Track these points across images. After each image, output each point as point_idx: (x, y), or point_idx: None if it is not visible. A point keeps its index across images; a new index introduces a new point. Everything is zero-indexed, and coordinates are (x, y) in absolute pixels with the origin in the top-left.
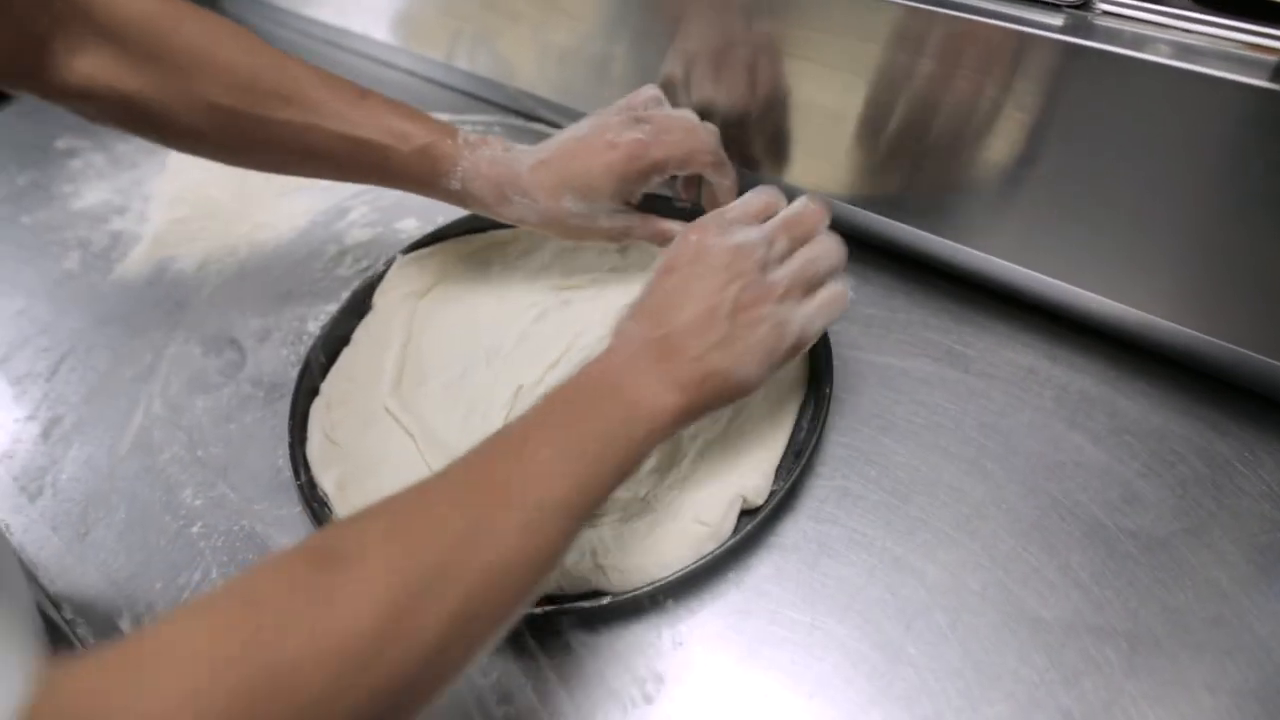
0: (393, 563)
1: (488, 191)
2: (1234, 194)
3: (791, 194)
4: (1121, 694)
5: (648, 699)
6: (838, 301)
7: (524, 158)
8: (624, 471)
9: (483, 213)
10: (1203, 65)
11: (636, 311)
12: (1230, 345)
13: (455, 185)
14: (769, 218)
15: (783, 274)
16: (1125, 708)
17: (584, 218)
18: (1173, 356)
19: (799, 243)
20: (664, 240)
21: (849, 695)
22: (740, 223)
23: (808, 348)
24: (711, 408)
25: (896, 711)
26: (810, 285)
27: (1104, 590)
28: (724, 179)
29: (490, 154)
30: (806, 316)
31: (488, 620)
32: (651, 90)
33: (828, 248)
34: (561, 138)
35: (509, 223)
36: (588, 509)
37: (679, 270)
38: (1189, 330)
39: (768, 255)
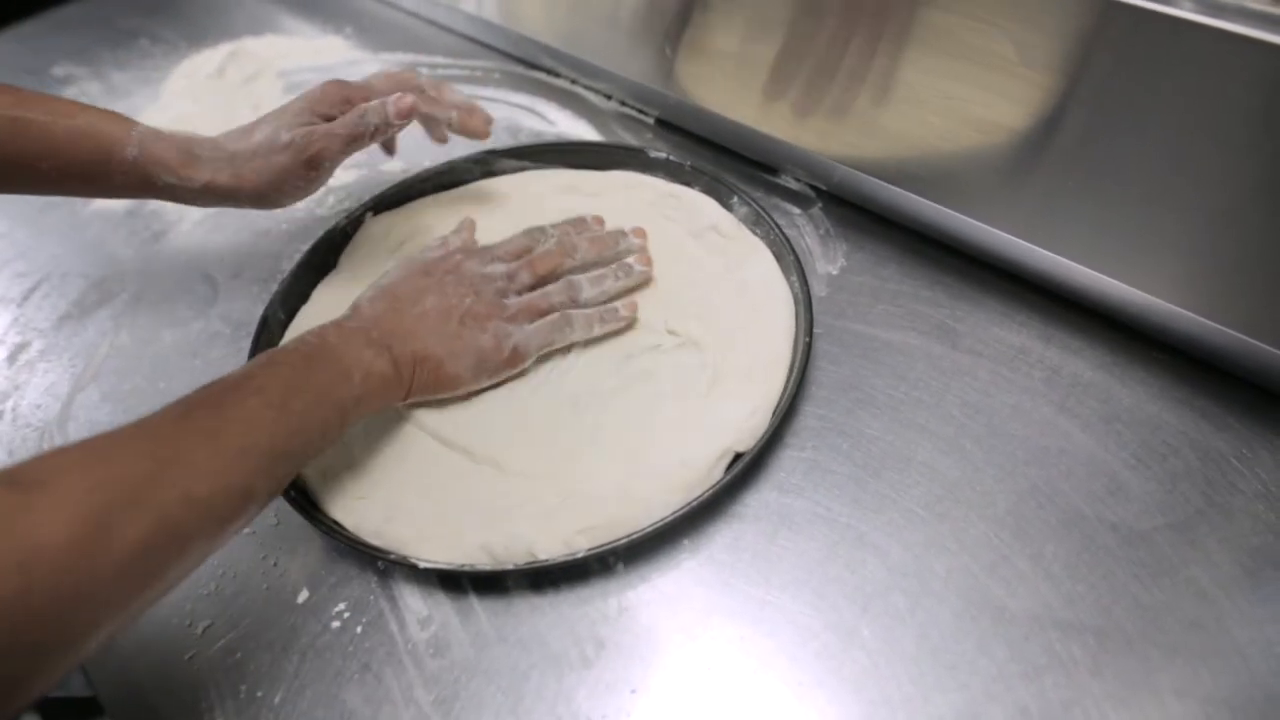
0: (88, 485)
1: (171, 153)
2: (1255, 170)
3: (782, 151)
4: (1085, 693)
5: (585, 663)
6: (555, 325)
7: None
8: (330, 428)
9: (167, 178)
10: (1228, 22)
11: (380, 294)
12: (1237, 334)
13: (132, 152)
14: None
15: (517, 301)
16: (1087, 708)
17: (269, 141)
18: (1175, 344)
19: (541, 279)
20: (356, 137)
21: (795, 674)
22: (500, 259)
23: (525, 364)
24: (424, 390)
25: (843, 694)
26: (540, 313)
27: (1076, 584)
28: (446, 106)
29: (169, 130)
30: (526, 334)
31: (184, 543)
32: None
33: (561, 287)
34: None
35: (193, 188)
36: (292, 455)
37: (433, 275)
38: (1194, 315)
39: (508, 286)
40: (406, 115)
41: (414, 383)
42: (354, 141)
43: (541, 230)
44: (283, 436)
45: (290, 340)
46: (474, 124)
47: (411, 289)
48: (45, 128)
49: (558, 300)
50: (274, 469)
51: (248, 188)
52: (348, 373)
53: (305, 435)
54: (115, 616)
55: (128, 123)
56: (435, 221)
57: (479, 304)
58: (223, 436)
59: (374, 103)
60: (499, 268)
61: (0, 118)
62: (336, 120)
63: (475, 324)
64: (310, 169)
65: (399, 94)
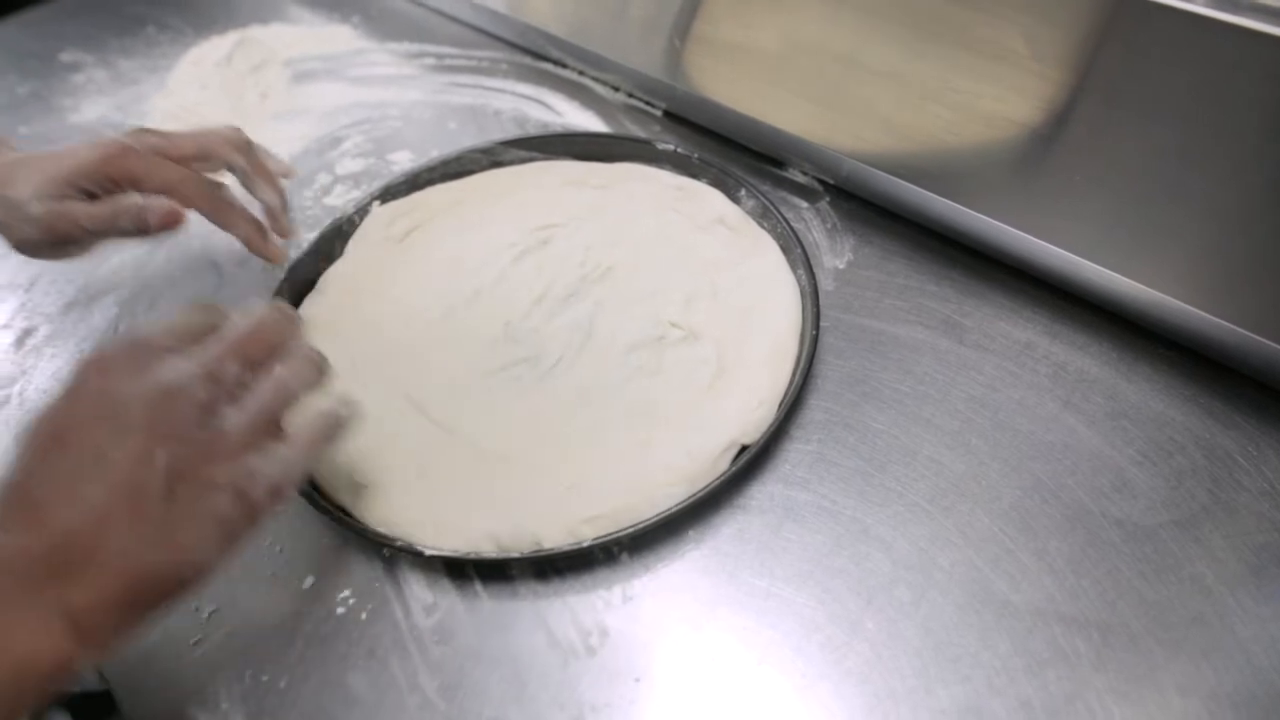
0: None
1: None
2: (1265, 167)
3: (790, 144)
4: (1087, 687)
5: (590, 651)
6: (326, 429)
7: (5, 154)
8: None
9: None
10: (1239, 16)
11: (10, 489)
12: (1245, 331)
13: None
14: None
15: (241, 418)
16: (1089, 702)
17: (24, 205)
18: (1182, 341)
19: (258, 366)
20: (108, 225)
21: (798, 666)
22: (168, 350)
23: (290, 495)
24: (151, 618)
25: (846, 686)
26: (275, 420)
27: (1080, 579)
28: (238, 219)
29: None
30: (285, 461)
31: None
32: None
33: (299, 367)
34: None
35: None
36: None
37: (71, 438)
38: (1201, 312)
39: (214, 394)
40: (170, 226)
41: (133, 622)
42: (105, 235)
43: (211, 306)
44: None
45: None
46: (266, 250)
47: (55, 479)
48: None
49: (301, 389)
50: None
51: (14, 242)
52: None
53: None
54: None
55: None
56: (441, 211)
57: (181, 457)
58: None
59: (132, 204)
60: (182, 368)
61: None
62: (90, 207)
63: (193, 487)
64: (61, 246)
65: (162, 201)
